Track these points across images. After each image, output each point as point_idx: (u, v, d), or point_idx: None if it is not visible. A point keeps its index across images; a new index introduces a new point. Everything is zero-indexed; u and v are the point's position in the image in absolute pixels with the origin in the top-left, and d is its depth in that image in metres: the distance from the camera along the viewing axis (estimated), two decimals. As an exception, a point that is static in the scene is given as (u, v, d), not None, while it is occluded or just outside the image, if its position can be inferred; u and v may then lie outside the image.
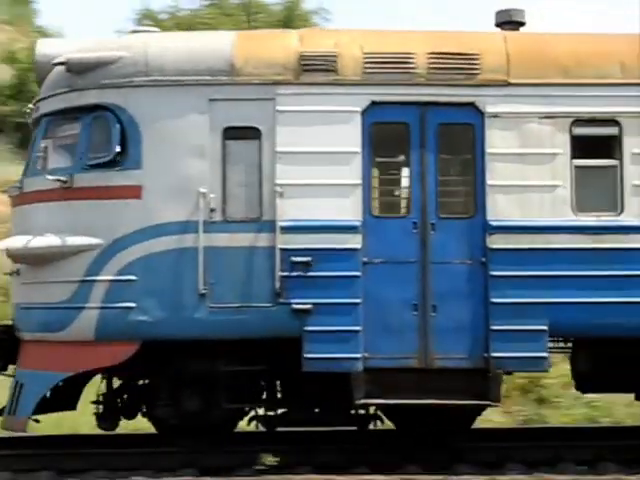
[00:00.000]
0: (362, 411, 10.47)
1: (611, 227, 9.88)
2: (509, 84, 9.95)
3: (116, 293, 9.83)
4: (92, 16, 50.87)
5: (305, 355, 9.72)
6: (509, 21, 10.88)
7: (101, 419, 10.49)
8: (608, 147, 10.00)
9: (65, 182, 10.04)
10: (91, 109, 10.14)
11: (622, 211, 9.90)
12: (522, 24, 11.02)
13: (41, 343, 10.23)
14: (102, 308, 9.86)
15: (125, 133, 9.95)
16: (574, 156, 9.94)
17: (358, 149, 9.86)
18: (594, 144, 10.03)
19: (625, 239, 9.86)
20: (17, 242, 10.13)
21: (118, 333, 9.83)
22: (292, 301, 9.72)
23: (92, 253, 9.90)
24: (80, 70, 10.21)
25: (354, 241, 9.79)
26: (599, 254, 9.83)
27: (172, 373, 10.19)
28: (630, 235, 9.86)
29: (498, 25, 10.93)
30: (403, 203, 10.07)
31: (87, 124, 10.14)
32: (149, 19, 30.63)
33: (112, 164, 9.98)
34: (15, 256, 10.23)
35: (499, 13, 10.93)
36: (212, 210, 9.82)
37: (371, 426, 10.61)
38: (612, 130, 9.98)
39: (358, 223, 9.80)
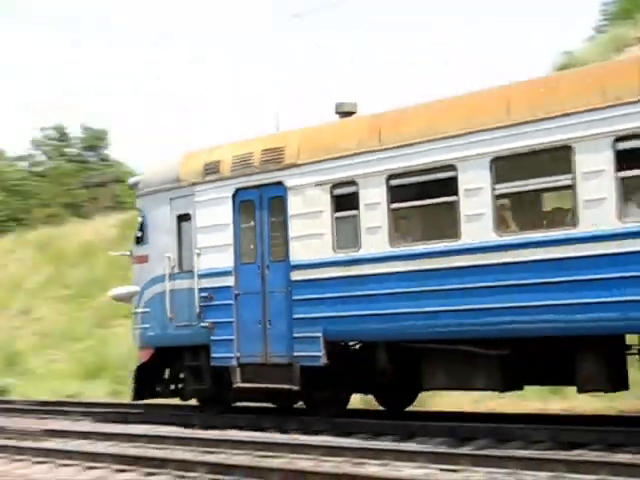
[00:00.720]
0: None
1: (353, 260, 13.53)
2: (298, 165, 14.28)
3: (143, 319, 16.77)
4: None
5: (211, 355, 15.42)
6: (342, 111, 14.87)
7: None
8: (353, 202, 13.62)
9: (130, 254, 17.37)
10: (138, 210, 17.28)
11: (360, 247, 13.46)
12: (352, 113, 14.86)
13: (140, 348, 17.58)
14: (139, 328, 16.88)
15: (143, 223, 16.86)
16: (335, 210, 13.84)
17: (230, 221, 15.22)
18: (346, 201, 13.74)
19: (362, 268, 13.42)
20: (115, 290, 17.74)
21: (145, 343, 16.75)
22: (204, 321, 15.51)
23: (137, 295, 16.99)
24: (133, 187, 17.45)
25: (230, 281, 15.18)
26: (347, 280, 13.58)
27: (177, 366, 16.66)
28: (365, 265, 13.39)
29: (337, 113, 14.97)
30: (253, 253, 15.04)
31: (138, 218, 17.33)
32: None
33: (139, 242, 16.96)
34: (116, 299, 17.85)
35: (337, 105, 14.97)
36: (173, 267, 16.14)
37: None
38: (354, 189, 13.60)
39: (231, 269, 15.17)
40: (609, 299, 11.06)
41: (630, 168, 11.04)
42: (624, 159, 11.11)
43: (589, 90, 11.47)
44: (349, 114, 14.96)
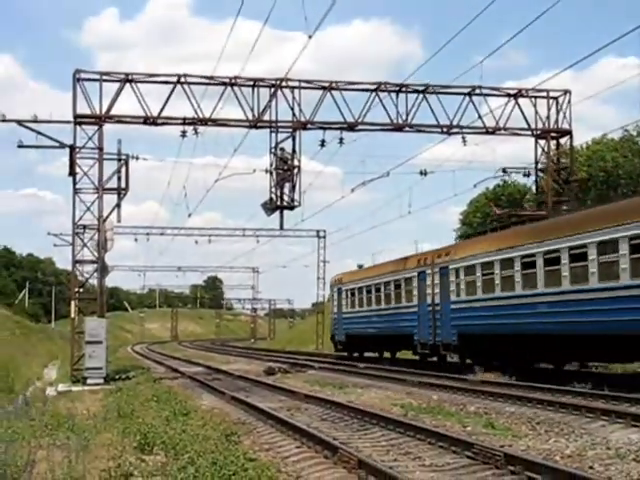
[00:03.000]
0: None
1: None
2: (344, 283, 49.20)
3: (331, 325, 52.84)
4: None
5: (335, 337, 51.06)
6: (359, 265, 49.41)
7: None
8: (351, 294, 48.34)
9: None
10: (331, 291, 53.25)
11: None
12: (361, 266, 49.28)
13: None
14: (331, 327, 52.99)
15: (330, 294, 52.91)
16: (347, 299, 48.64)
17: (336, 299, 50.57)
18: (353, 294, 48.41)
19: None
20: (331, 315, 54.04)
21: (331, 332, 52.90)
22: (337, 329, 51.11)
23: (333, 317, 53.09)
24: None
25: (338, 316, 50.56)
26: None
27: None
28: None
29: (358, 266, 49.41)
30: (337, 310, 50.17)
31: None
32: None
33: (330, 300, 53.03)
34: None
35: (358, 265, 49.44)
36: (333, 311, 51.83)
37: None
38: (359, 290, 48.30)
39: (337, 315, 50.51)
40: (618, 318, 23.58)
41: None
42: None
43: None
44: (360, 267, 49.35)
